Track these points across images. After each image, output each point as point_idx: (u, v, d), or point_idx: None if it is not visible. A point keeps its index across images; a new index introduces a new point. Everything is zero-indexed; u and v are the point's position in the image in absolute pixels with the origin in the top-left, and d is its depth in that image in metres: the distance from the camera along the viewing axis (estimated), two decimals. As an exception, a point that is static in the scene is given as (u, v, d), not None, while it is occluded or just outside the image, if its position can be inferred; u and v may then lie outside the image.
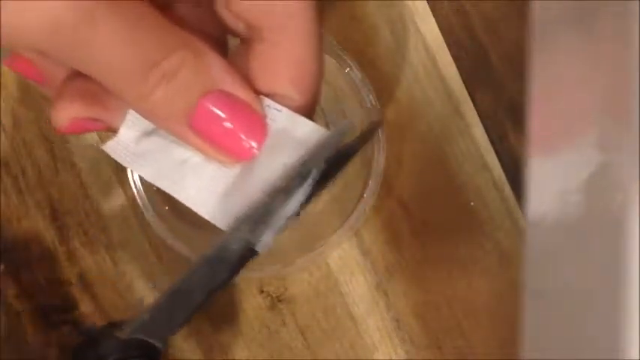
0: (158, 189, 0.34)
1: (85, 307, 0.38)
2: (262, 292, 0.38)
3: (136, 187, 0.34)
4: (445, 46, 0.38)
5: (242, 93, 0.23)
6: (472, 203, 0.38)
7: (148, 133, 0.24)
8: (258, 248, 0.23)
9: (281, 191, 0.23)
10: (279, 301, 0.38)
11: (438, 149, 0.38)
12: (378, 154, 0.35)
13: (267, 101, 0.23)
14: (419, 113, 0.38)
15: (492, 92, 0.38)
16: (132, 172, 0.35)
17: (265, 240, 0.23)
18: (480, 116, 0.38)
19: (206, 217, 0.24)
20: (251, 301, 0.38)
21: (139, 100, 0.22)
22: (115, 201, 0.38)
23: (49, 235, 0.38)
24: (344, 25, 0.38)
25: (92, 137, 0.38)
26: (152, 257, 0.38)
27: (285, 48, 0.23)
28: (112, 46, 0.20)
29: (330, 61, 0.34)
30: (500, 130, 0.38)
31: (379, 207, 0.38)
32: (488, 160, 0.38)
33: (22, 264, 0.38)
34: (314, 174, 0.23)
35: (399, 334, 0.38)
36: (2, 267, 0.38)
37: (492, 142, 0.38)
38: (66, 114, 0.24)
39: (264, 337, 0.38)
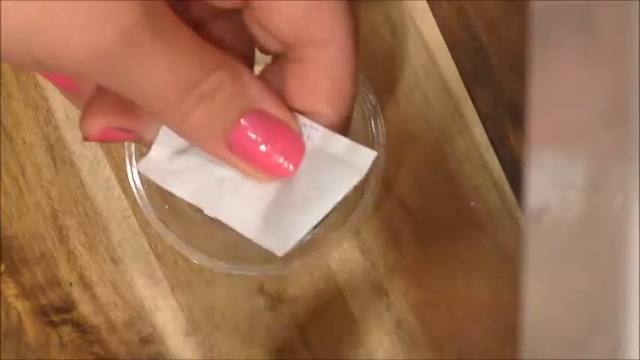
0: (158, 189, 0.34)
1: (85, 307, 0.38)
2: (262, 292, 0.38)
3: (136, 187, 0.34)
4: (445, 46, 0.38)
5: (279, 112, 0.23)
6: (472, 203, 0.38)
7: (181, 151, 0.24)
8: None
9: (326, 211, 0.23)
10: (279, 301, 0.38)
11: (438, 149, 0.38)
12: (378, 154, 0.35)
13: (303, 119, 0.23)
14: (419, 113, 0.38)
15: (492, 92, 0.38)
16: (132, 171, 0.34)
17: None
18: (479, 116, 0.38)
19: (246, 235, 0.24)
20: (251, 301, 0.38)
21: (178, 121, 0.22)
22: (115, 201, 0.38)
23: (49, 235, 0.38)
24: (344, 25, 0.38)
25: (92, 137, 0.38)
26: (152, 257, 0.38)
27: (327, 67, 0.23)
28: (154, 70, 0.20)
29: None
30: (500, 130, 0.38)
31: (379, 207, 0.38)
32: (488, 160, 0.38)
33: (22, 264, 0.38)
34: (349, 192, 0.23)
35: (399, 334, 0.38)
36: (2, 267, 0.38)
37: (492, 142, 0.38)
38: (97, 123, 0.24)
39: (264, 337, 0.38)
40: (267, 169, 0.23)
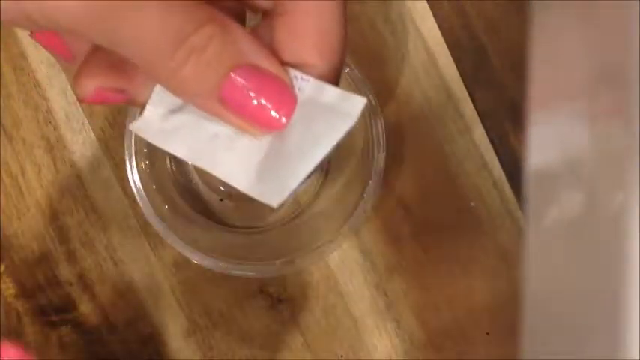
0: (158, 188, 0.34)
1: (85, 307, 0.38)
2: (262, 292, 0.38)
3: (135, 187, 0.34)
4: (445, 46, 0.38)
5: (270, 65, 0.23)
6: (472, 203, 0.38)
7: (175, 110, 0.25)
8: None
9: (319, 160, 0.23)
10: (279, 301, 0.38)
11: (438, 149, 0.38)
12: (378, 154, 0.35)
13: (294, 72, 0.24)
14: (419, 113, 0.38)
15: (492, 92, 0.38)
16: (132, 171, 0.35)
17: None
18: (479, 116, 0.38)
19: (242, 189, 0.24)
20: (251, 301, 0.38)
21: (168, 75, 0.22)
22: (115, 201, 0.38)
23: (49, 235, 0.38)
24: (344, 25, 0.38)
25: (91, 136, 0.38)
26: (152, 257, 0.38)
27: (313, 17, 0.23)
28: (145, 23, 0.21)
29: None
30: (500, 130, 0.38)
31: (379, 207, 0.38)
32: (488, 160, 0.38)
33: (22, 264, 0.38)
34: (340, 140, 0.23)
35: (399, 334, 0.38)
36: (2, 267, 0.38)
37: (492, 142, 0.38)
38: (91, 82, 0.24)
39: (264, 337, 0.38)
40: (259, 123, 0.23)
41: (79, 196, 0.38)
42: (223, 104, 0.23)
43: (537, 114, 0.27)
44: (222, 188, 0.38)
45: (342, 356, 0.38)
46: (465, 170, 0.38)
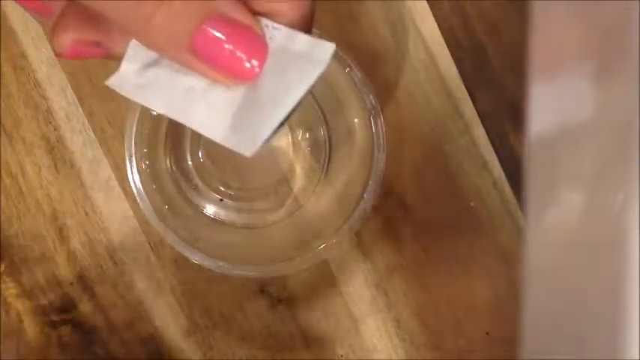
0: (158, 188, 0.34)
1: (85, 307, 0.38)
2: (262, 292, 0.38)
3: (135, 187, 0.34)
4: (445, 46, 0.38)
5: (240, 15, 0.23)
6: (472, 203, 0.38)
7: (150, 65, 0.25)
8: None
9: (292, 106, 0.24)
10: (279, 301, 0.38)
11: (438, 149, 0.38)
12: (378, 154, 0.35)
13: (265, 21, 0.24)
14: (419, 113, 0.38)
15: (492, 92, 0.38)
16: (132, 171, 0.35)
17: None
18: (479, 116, 0.38)
19: (217, 140, 0.25)
20: (251, 301, 0.38)
21: (139, 27, 0.23)
22: (115, 201, 0.38)
23: (49, 235, 0.38)
24: (343, 26, 0.38)
25: (91, 136, 0.38)
26: (152, 257, 0.38)
27: None
28: None
29: (330, 61, 0.34)
30: (500, 130, 0.38)
31: (379, 207, 0.38)
32: (488, 160, 0.38)
33: (22, 264, 0.38)
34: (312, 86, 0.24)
35: (399, 334, 0.38)
36: (2, 267, 0.38)
37: (492, 142, 0.38)
38: (67, 36, 0.24)
39: (264, 337, 0.38)
40: (232, 73, 0.24)
41: (79, 196, 0.38)
42: (196, 56, 0.23)
43: (538, 78, 0.27)
44: (222, 188, 0.38)
45: (342, 356, 0.38)
46: (465, 170, 0.38)
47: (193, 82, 0.24)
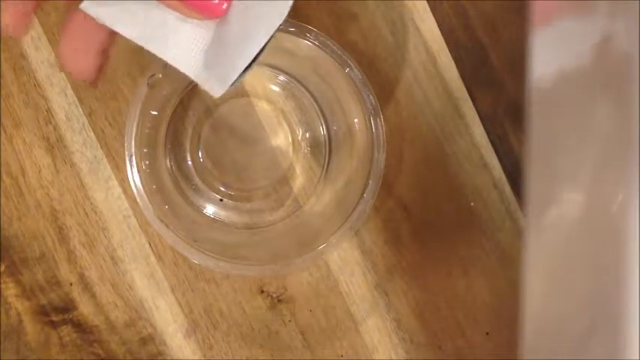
0: (158, 188, 0.34)
1: (85, 307, 0.38)
2: (262, 292, 0.38)
3: (136, 187, 0.34)
4: (445, 46, 0.38)
5: None
6: (472, 203, 0.38)
7: None
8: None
9: (263, 44, 0.24)
10: (279, 301, 0.38)
11: (438, 149, 0.38)
12: (378, 154, 0.35)
13: None
14: (419, 113, 0.38)
15: (492, 92, 0.38)
16: (132, 171, 0.35)
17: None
18: (479, 116, 0.38)
19: (189, 74, 0.25)
20: (251, 301, 0.38)
21: None
22: (115, 201, 0.38)
23: (49, 235, 0.38)
24: (344, 26, 0.38)
25: (91, 136, 0.38)
26: (152, 257, 0.38)
27: None
28: None
29: (330, 61, 0.34)
30: (500, 130, 0.38)
31: (379, 207, 0.38)
32: (488, 160, 0.38)
33: (22, 264, 0.38)
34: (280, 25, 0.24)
35: (399, 334, 0.38)
36: (2, 267, 0.38)
37: (492, 142, 0.38)
38: None
39: (264, 337, 0.38)
40: (200, 9, 0.24)
41: (79, 196, 0.38)
42: None
43: (539, 23, 0.27)
44: (222, 188, 0.38)
45: (342, 356, 0.38)
46: (465, 170, 0.38)
47: (167, 16, 0.25)
